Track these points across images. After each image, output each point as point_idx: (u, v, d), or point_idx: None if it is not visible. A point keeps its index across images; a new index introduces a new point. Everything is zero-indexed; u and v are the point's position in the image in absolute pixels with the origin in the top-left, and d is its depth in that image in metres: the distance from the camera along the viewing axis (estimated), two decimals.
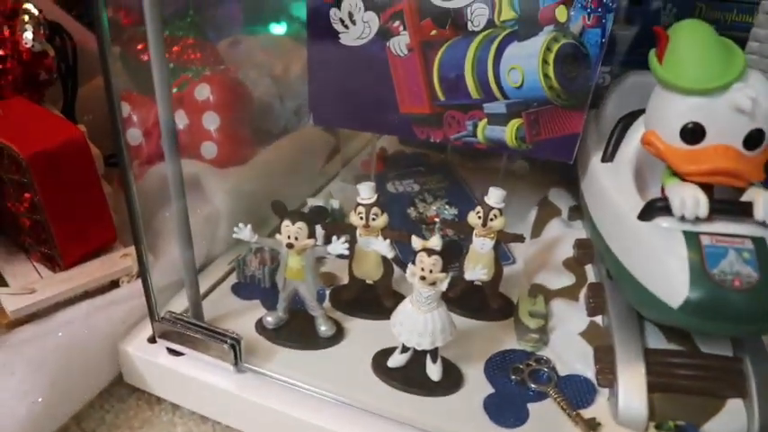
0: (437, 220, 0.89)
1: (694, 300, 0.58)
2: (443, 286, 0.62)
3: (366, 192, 0.71)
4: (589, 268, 0.79)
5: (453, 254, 0.64)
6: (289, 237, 0.67)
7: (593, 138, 0.80)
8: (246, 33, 1.12)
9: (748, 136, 0.61)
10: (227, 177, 0.89)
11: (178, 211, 0.67)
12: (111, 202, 0.81)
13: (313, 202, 0.87)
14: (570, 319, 0.74)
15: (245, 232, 0.68)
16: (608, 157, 0.73)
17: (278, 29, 1.10)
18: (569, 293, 0.77)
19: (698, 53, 0.62)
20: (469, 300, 0.78)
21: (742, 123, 0.61)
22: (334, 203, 0.86)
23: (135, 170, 0.73)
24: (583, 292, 0.76)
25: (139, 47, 0.93)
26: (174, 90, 0.94)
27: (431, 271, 0.62)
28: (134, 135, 0.86)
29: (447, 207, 0.90)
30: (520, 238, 0.74)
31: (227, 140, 0.90)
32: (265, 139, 0.98)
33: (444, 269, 0.62)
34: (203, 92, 0.90)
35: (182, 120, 0.91)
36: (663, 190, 0.63)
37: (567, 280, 0.79)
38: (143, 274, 0.71)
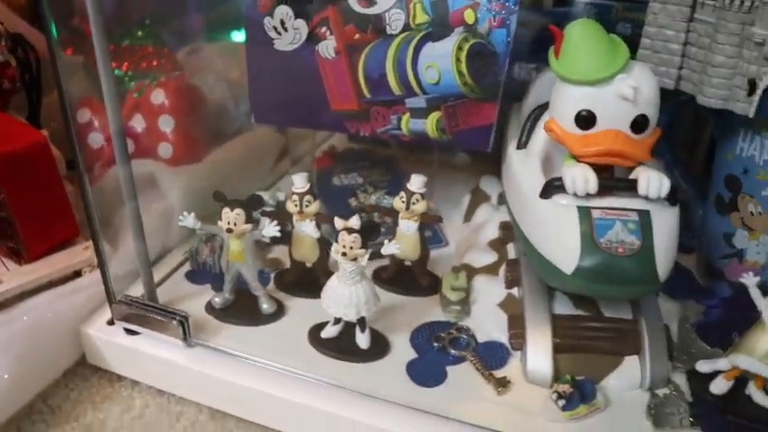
0: (374, 208, 0.96)
1: (584, 266, 0.65)
2: (364, 261, 0.70)
3: (299, 181, 0.79)
4: (511, 247, 0.87)
5: (371, 232, 0.71)
6: (228, 222, 0.75)
7: (513, 128, 0.87)
8: (207, 41, 1.19)
9: (634, 121, 0.68)
10: (182, 175, 0.96)
11: (130, 208, 0.75)
12: (73, 200, 0.88)
13: (261, 194, 0.95)
14: (491, 293, 0.82)
15: (188, 220, 0.76)
16: (522, 144, 0.80)
17: (238, 36, 1.17)
18: (492, 270, 0.85)
19: (587, 49, 0.69)
20: (401, 279, 0.86)
21: (628, 110, 0.68)
22: (280, 196, 0.93)
23: (97, 171, 0.81)
24: (503, 268, 0.83)
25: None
26: (135, 95, 1.01)
27: (351, 248, 0.69)
28: (95, 139, 0.93)
29: (386, 197, 0.98)
30: (439, 219, 0.83)
31: (182, 141, 0.97)
32: (220, 139, 1.05)
33: (364, 246, 0.70)
34: (158, 97, 0.97)
35: (140, 123, 0.98)
36: None
37: (490, 258, 0.87)
38: (100, 263, 0.79)
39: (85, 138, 0.92)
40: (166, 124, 0.97)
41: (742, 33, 0.70)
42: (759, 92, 0.70)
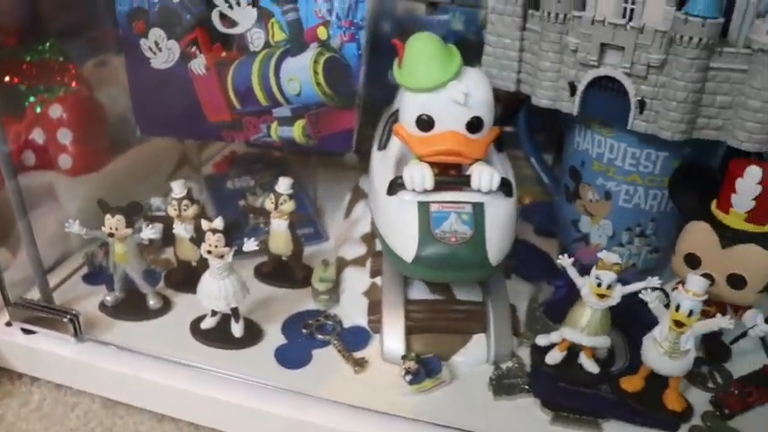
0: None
1: (422, 255, 0.74)
2: (229, 258, 0.78)
3: (177, 188, 0.88)
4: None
5: (234, 231, 0.80)
6: (110, 228, 0.83)
7: (380, 130, 0.96)
8: (115, 54, 1.26)
9: (469, 123, 0.76)
10: (81, 185, 1.03)
11: (20, 218, 0.83)
12: None
13: (154, 200, 1.03)
14: (358, 282, 0.91)
15: (74, 227, 0.84)
16: (381, 146, 0.89)
17: None
18: (360, 261, 0.93)
19: (423, 59, 0.77)
20: (279, 273, 0.94)
21: (462, 113, 0.76)
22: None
23: None
24: (369, 260, 0.92)
25: None
26: (36, 108, 1.08)
27: (216, 246, 0.78)
28: None
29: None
30: (306, 218, 0.91)
31: (80, 153, 1.04)
32: (121, 149, 1.13)
33: (228, 244, 0.78)
34: (56, 111, 1.04)
35: (40, 136, 1.05)
36: None
37: (361, 251, 0.95)
38: None
39: None
40: (65, 137, 1.04)
41: (561, 42, 0.79)
42: (579, 93, 0.79)
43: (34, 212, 0.91)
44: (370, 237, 0.96)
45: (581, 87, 0.80)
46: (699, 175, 0.79)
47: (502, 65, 0.87)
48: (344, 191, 1.10)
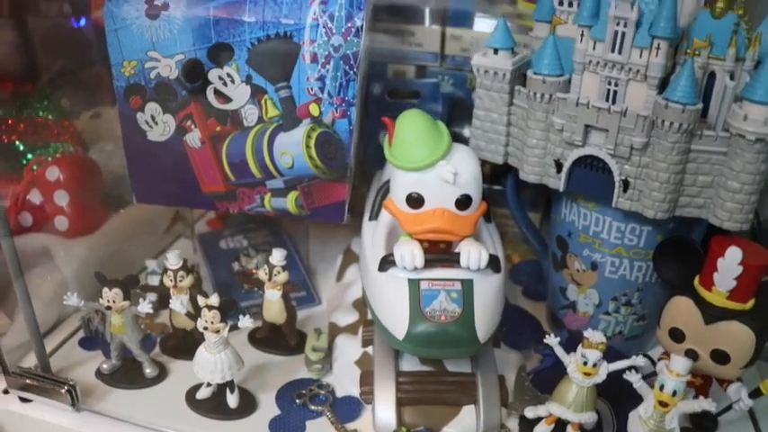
0: (255, 272, 1.06)
1: (412, 333, 0.76)
2: (225, 333, 0.80)
3: (173, 259, 0.89)
4: None
5: (229, 308, 0.82)
6: (108, 300, 0.85)
7: (372, 195, 0.98)
8: (110, 106, 1.28)
9: (458, 200, 0.78)
10: (77, 247, 1.05)
11: (18, 286, 0.84)
12: None
13: (149, 263, 1.05)
14: (350, 351, 0.92)
15: (72, 299, 0.85)
16: (373, 216, 0.91)
17: None
18: (352, 329, 0.95)
19: (412, 138, 0.79)
20: (272, 339, 0.96)
21: (451, 191, 0.78)
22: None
23: None
24: (360, 328, 0.94)
25: None
26: (33, 168, 1.10)
27: (212, 322, 0.80)
28: None
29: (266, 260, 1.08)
30: (297, 288, 0.93)
31: (77, 214, 1.06)
32: (117, 207, 1.15)
33: (224, 320, 0.80)
34: (53, 173, 1.06)
35: (37, 197, 1.07)
36: None
37: (353, 317, 0.97)
38: None
39: None
40: (62, 199, 1.06)
41: (547, 120, 0.81)
42: (564, 171, 0.81)
43: (30, 274, 0.93)
44: (362, 303, 0.98)
45: (567, 165, 0.82)
46: (683, 249, 0.81)
47: (490, 138, 0.89)
48: (336, 252, 1.12)
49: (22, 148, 1.17)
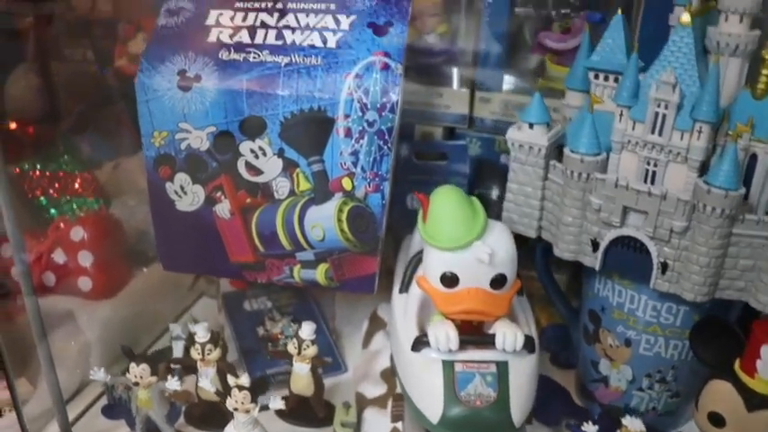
0: (281, 337, 1.05)
1: (447, 417, 0.74)
2: (255, 413, 0.79)
3: (201, 332, 0.88)
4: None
5: (260, 388, 0.80)
6: (135, 376, 0.83)
7: (402, 262, 0.97)
8: (131, 155, 1.28)
9: (493, 279, 0.77)
10: (100, 308, 1.04)
11: (41, 349, 0.83)
12: None
13: (173, 327, 1.04)
14: (378, 425, 0.90)
15: (99, 374, 0.84)
16: (403, 288, 0.89)
17: None
18: (381, 402, 0.94)
19: (448, 217, 0.78)
20: (301, 411, 0.94)
21: (486, 271, 0.77)
22: (192, 327, 1.02)
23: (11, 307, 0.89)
24: (390, 401, 0.92)
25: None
26: (57, 229, 1.09)
27: (242, 403, 0.78)
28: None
29: (291, 324, 1.07)
30: (327, 363, 0.92)
31: (100, 276, 1.05)
32: (140, 265, 1.14)
33: (254, 400, 0.79)
34: (78, 233, 1.05)
35: (61, 257, 1.06)
36: None
37: (381, 389, 0.95)
38: (15, 406, 0.86)
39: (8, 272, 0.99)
40: (86, 259, 1.05)
41: (583, 199, 0.80)
42: (601, 250, 0.80)
43: (52, 336, 0.92)
44: (390, 373, 0.96)
45: (603, 245, 0.81)
46: (721, 330, 0.79)
47: (523, 212, 0.88)
48: (362, 315, 1.11)
49: (45, 202, 1.15)
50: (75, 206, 1.16)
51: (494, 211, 1.06)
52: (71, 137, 1.25)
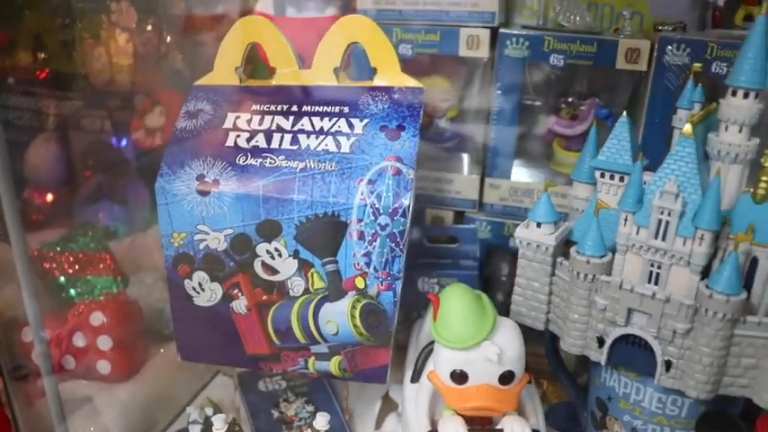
0: (295, 419, 1.08)
1: None
2: None
3: (218, 423, 0.91)
4: None
5: None
6: None
7: (413, 347, 1.00)
8: (147, 229, 1.31)
9: (501, 376, 0.81)
10: (118, 390, 1.07)
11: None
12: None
13: (191, 411, 1.06)
14: None
15: None
16: (415, 377, 0.92)
17: None
18: None
19: (457, 316, 0.82)
20: None
21: (495, 368, 0.81)
22: (208, 411, 1.05)
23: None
24: None
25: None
26: (77, 314, 1.12)
27: None
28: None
29: (305, 406, 1.10)
30: None
31: (119, 359, 1.08)
32: (157, 343, 1.17)
33: None
34: (98, 318, 1.08)
35: (81, 341, 1.09)
36: None
37: None
38: None
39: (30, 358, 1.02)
40: (105, 344, 1.08)
41: (589, 298, 0.83)
42: (606, 346, 0.83)
43: (71, 419, 0.95)
44: None
45: (609, 342, 0.83)
46: (725, 423, 0.82)
47: (531, 305, 0.90)
48: (375, 394, 1.13)
49: (64, 282, 1.18)
50: (94, 286, 1.18)
51: (503, 289, 1.10)
52: (87, 205, 1.27)
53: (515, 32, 1.06)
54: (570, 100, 1.12)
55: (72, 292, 1.17)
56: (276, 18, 1.15)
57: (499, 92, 1.09)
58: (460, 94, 1.16)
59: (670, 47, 1.00)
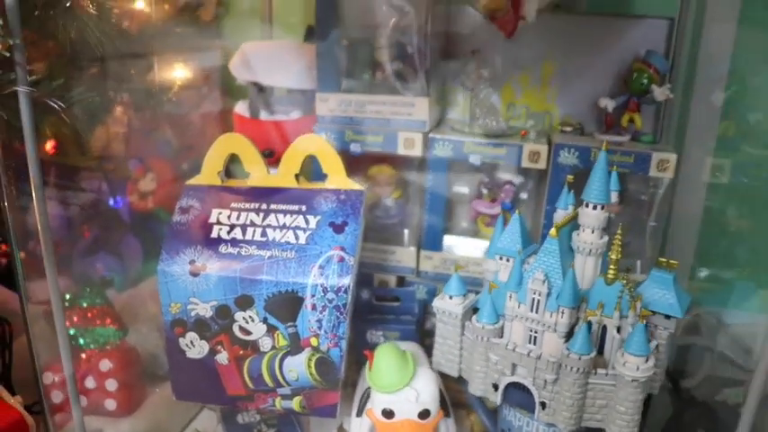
0: None
1: None
2: None
3: None
4: None
5: None
6: None
7: (360, 388, 1.28)
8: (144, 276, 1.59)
9: (420, 413, 1.08)
10: (122, 424, 1.33)
11: None
12: None
13: None
14: None
15: None
16: (359, 413, 1.21)
17: None
18: None
19: (385, 368, 1.08)
20: None
21: (414, 407, 1.07)
22: None
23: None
24: None
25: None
26: (88, 359, 1.40)
27: None
28: (58, 398, 1.29)
29: None
30: None
31: (123, 397, 1.35)
32: (153, 383, 1.45)
33: None
34: (106, 365, 1.36)
35: (92, 383, 1.38)
36: None
37: None
38: None
39: (49, 397, 1.29)
40: (112, 386, 1.36)
41: (486, 354, 1.12)
42: (500, 390, 1.12)
43: None
44: None
45: (501, 387, 1.12)
46: None
47: (447, 357, 1.18)
48: (331, 426, 1.40)
49: (73, 332, 1.46)
50: (99, 336, 1.45)
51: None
52: (85, 257, 1.51)
53: (440, 137, 1.33)
54: (490, 186, 1.41)
55: (81, 341, 1.43)
56: (250, 120, 1.44)
57: (431, 183, 1.38)
58: (404, 179, 1.44)
59: (562, 150, 1.29)
